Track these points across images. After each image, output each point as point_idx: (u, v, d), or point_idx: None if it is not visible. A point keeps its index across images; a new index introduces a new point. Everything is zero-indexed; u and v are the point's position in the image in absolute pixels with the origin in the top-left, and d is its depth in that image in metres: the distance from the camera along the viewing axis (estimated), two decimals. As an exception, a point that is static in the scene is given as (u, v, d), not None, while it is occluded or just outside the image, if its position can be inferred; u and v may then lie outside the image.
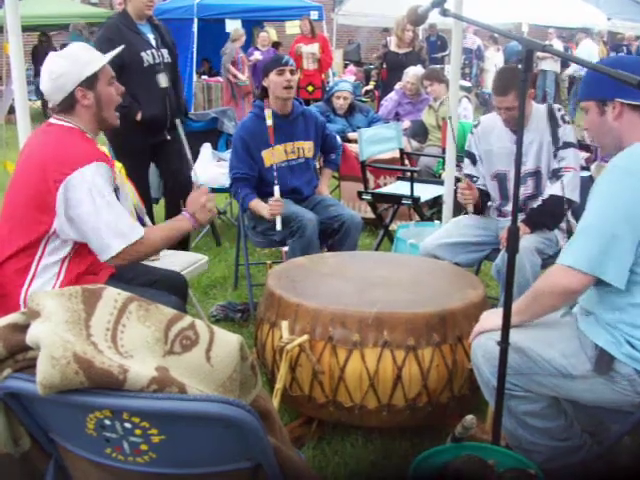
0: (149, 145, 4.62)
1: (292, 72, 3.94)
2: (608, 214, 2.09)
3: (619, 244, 2.06)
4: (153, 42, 4.57)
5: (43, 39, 14.15)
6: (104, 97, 2.64)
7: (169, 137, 4.67)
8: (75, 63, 2.58)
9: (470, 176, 3.74)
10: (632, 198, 2.06)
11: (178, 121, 3.21)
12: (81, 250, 2.61)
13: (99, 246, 2.52)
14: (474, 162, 3.74)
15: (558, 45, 14.85)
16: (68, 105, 2.60)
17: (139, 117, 4.42)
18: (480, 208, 3.69)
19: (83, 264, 2.63)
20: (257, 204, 3.92)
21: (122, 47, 2.89)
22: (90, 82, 2.59)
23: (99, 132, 2.74)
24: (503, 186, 3.66)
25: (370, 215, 5.50)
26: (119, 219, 2.53)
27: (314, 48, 10.30)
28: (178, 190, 4.84)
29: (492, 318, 2.35)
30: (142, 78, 4.43)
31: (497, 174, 3.66)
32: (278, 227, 3.78)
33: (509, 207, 3.64)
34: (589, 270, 2.08)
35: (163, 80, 4.43)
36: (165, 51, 4.62)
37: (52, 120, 2.65)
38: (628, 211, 2.06)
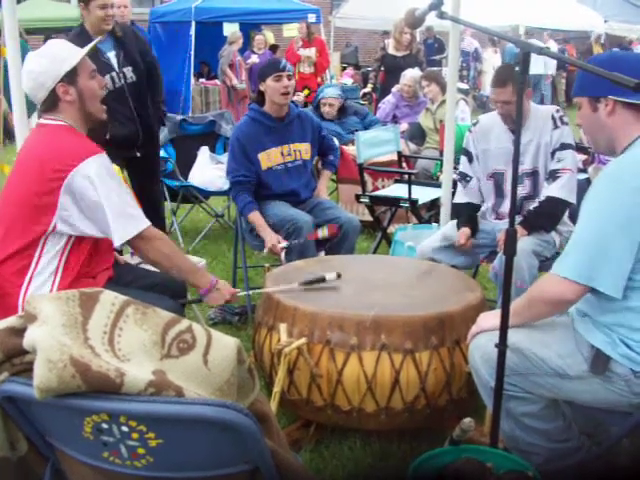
0: (121, 161, 4.51)
1: (289, 77, 3.94)
2: (602, 223, 2.09)
3: (614, 253, 2.05)
4: (114, 61, 4.31)
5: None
6: (86, 91, 2.63)
7: (139, 154, 4.54)
8: (53, 60, 2.57)
9: (464, 175, 3.75)
10: (626, 206, 2.05)
11: None
12: (78, 246, 2.61)
13: (115, 234, 2.55)
14: (470, 160, 3.75)
15: (554, 47, 14.91)
16: (51, 103, 2.60)
17: (107, 136, 4.18)
18: (473, 231, 3.71)
19: (80, 260, 2.63)
20: (257, 219, 3.89)
21: (97, 40, 2.88)
22: (70, 77, 2.58)
23: (87, 128, 2.71)
24: (499, 186, 3.67)
25: (368, 218, 5.49)
26: (126, 209, 2.57)
27: (310, 52, 10.35)
28: (147, 206, 4.81)
29: (489, 319, 2.36)
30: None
31: (494, 174, 3.67)
32: (282, 258, 3.73)
33: (504, 207, 3.65)
34: (584, 281, 2.08)
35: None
36: (129, 69, 4.37)
37: (42, 120, 2.65)
38: (623, 219, 2.05)
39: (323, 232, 3.38)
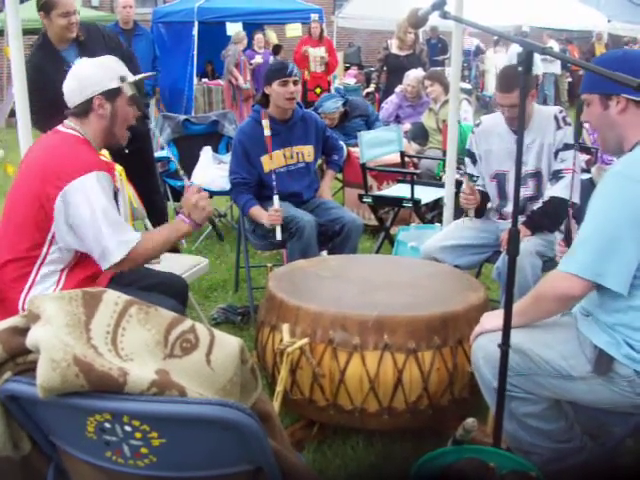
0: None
1: (295, 83, 3.93)
2: (610, 220, 2.08)
3: (622, 250, 2.05)
4: None
5: None
6: (120, 113, 2.66)
7: (127, 151, 4.54)
8: (103, 72, 2.62)
9: (471, 175, 3.74)
10: (634, 201, 2.05)
11: None
12: (82, 261, 2.61)
13: (98, 255, 2.52)
14: (474, 162, 3.74)
15: (555, 47, 14.88)
16: (83, 110, 2.61)
17: None
18: (481, 211, 3.70)
19: (83, 274, 2.63)
20: (257, 211, 3.91)
21: (151, 74, 2.90)
22: (111, 95, 2.61)
23: (104, 147, 2.74)
24: (502, 186, 3.66)
25: (374, 222, 5.48)
26: (117, 229, 2.52)
27: (322, 51, 10.41)
28: (145, 202, 4.79)
29: (492, 319, 2.36)
30: None
31: (496, 174, 3.66)
32: (278, 237, 3.78)
33: (508, 208, 3.64)
34: (591, 277, 2.08)
35: None
36: None
37: (60, 127, 2.66)
38: (631, 216, 2.04)
39: None
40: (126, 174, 4.50)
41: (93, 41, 4.24)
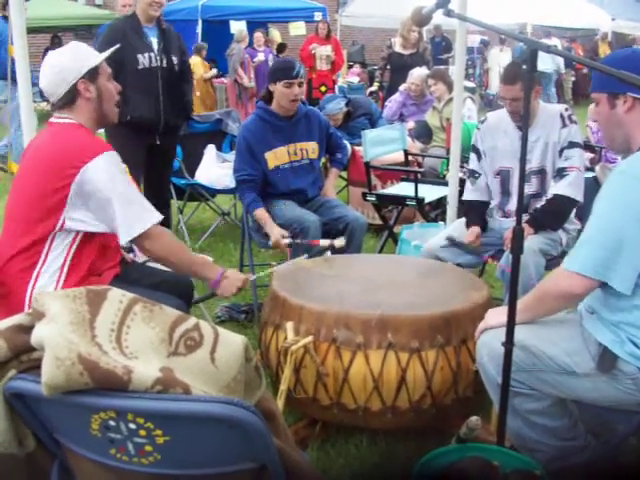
0: (142, 147, 4.60)
1: (300, 85, 3.92)
2: (615, 219, 2.08)
3: (627, 249, 2.05)
4: (155, 46, 4.52)
5: (56, 41, 14.19)
6: (105, 91, 2.68)
7: (159, 142, 4.65)
8: (76, 57, 2.63)
9: (473, 172, 3.75)
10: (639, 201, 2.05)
11: None
12: (86, 244, 2.62)
13: (124, 227, 2.55)
14: (479, 157, 3.75)
15: (559, 45, 14.86)
16: (69, 99, 2.62)
17: (128, 117, 4.36)
18: (485, 225, 3.72)
19: (89, 259, 2.64)
20: (263, 215, 3.89)
21: (117, 47, 2.94)
22: (92, 75, 2.63)
23: (98, 129, 2.77)
24: (505, 183, 3.66)
25: (377, 221, 5.47)
26: (136, 203, 2.58)
27: (328, 50, 10.43)
28: (155, 198, 4.84)
29: (497, 315, 2.35)
30: (135, 80, 4.38)
31: (500, 171, 3.66)
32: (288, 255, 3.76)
33: (511, 205, 3.64)
34: (595, 275, 2.08)
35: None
36: (166, 57, 4.57)
37: (53, 120, 2.67)
38: (636, 216, 2.04)
39: (324, 243, 3.46)
40: (147, 167, 4.62)
41: (171, 32, 4.68)
